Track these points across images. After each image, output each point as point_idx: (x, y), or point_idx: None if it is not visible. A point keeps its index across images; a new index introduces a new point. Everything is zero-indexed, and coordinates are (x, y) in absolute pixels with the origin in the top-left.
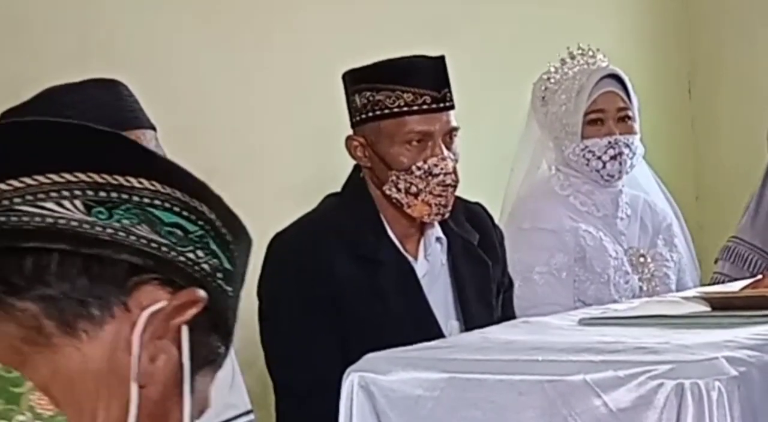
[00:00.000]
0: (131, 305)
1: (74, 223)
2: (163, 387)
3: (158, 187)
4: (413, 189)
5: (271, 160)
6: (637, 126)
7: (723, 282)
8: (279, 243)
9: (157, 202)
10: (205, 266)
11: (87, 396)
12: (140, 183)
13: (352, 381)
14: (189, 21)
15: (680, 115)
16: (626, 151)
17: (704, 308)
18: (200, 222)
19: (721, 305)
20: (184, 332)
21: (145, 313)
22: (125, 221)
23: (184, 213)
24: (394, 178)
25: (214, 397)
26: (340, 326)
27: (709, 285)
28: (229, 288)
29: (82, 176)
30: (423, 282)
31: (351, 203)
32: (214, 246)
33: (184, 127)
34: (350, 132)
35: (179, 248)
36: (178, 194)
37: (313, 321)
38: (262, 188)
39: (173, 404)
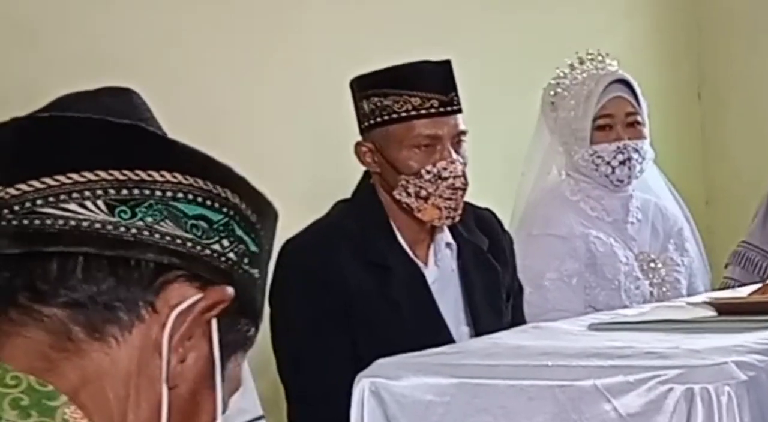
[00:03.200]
0: (159, 305)
1: (98, 225)
2: (194, 383)
3: (180, 178)
4: (423, 193)
5: (278, 166)
6: (646, 131)
7: (733, 286)
8: (289, 249)
9: (180, 194)
10: (231, 255)
11: (116, 400)
12: (162, 176)
13: (362, 386)
14: (196, 27)
15: (690, 120)
16: (635, 155)
17: (712, 313)
18: (224, 209)
19: (728, 310)
20: (214, 326)
21: (174, 313)
22: (149, 219)
23: (208, 202)
24: (403, 182)
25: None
26: (350, 332)
27: (719, 289)
28: (255, 271)
29: (103, 174)
30: (433, 288)
31: (361, 209)
32: (239, 232)
33: (191, 133)
34: (358, 137)
35: (204, 241)
36: (201, 183)
37: (324, 327)
38: (271, 195)
39: (204, 396)
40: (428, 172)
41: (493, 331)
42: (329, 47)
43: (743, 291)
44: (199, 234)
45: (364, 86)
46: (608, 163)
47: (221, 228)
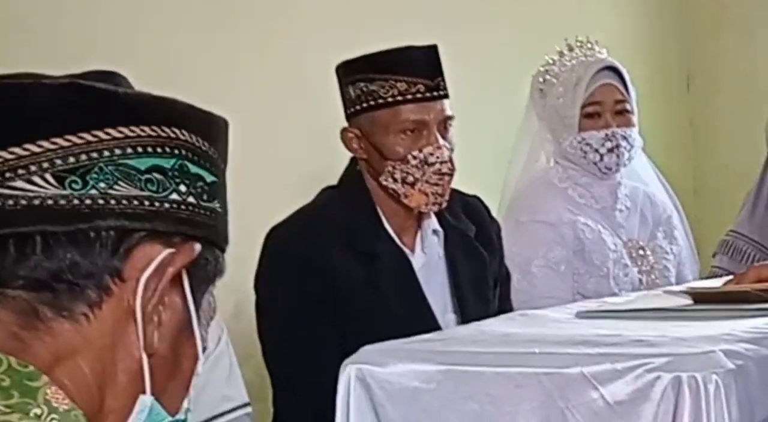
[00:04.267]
0: (126, 273)
1: (50, 202)
2: (172, 339)
3: (126, 131)
4: (410, 178)
5: (269, 154)
6: (635, 118)
7: (721, 276)
8: (275, 236)
9: (129, 150)
10: (190, 199)
11: (93, 374)
12: (107, 134)
13: (349, 373)
14: (189, 20)
15: (678, 110)
16: (624, 143)
17: (689, 302)
18: (176, 151)
19: (704, 299)
20: (185, 279)
21: (142, 279)
22: (101, 184)
23: (158, 149)
24: (390, 168)
25: (212, 390)
26: (336, 319)
27: (707, 279)
28: (216, 204)
29: (47, 144)
30: (420, 275)
31: (347, 196)
32: (194, 169)
33: None
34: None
35: (161, 194)
36: (148, 130)
37: (310, 314)
38: (260, 183)
39: (184, 345)
40: (415, 158)
41: (479, 318)
42: (323, 40)
43: (719, 282)
44: (155, 188)
45: (349, 72)
46: (596, 151)
47: (176, 173)
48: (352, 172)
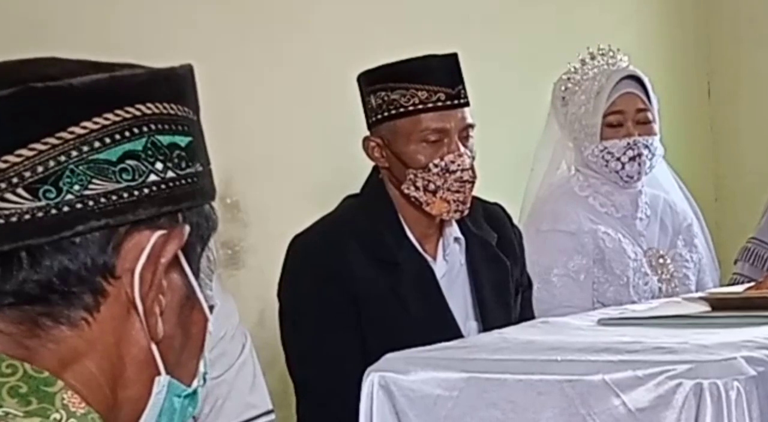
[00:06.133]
0: (119, 269)
1: (27, 217)
2: (177, 316)
3: (89, 125)
4: (431, 186)
5: (290, 162)
6: (656, 127)
7: (742, 283)
8: (299, 245)
9: (96, 143)
10: (170, 173)
11: (101, 372)
12: (71, 133)
13: (372, 380)
14: (208, 24)
15: (699, 117)
16: (645, 152)
17: (707, 309)
18: (144, 129)
19: (722, 306)
20: (180, 255)
21: (137, 272)
22: (76, 187)
23: (126, 133)
24: (411, 176)
25: (236, 398)
26: (359, 327)
27: (728, 286)
28: (197, 167)
29: (12, 158)
30: (442, 283)
31: (370, 204)
32: (167, 140)
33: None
34: (368, 132)
35: (139, 181)
36: (112, 117)
37: (333, 322)
38: (281, 190)
39: (189, 314)
40: (436, 166)
41: (501, 326)
42: (339, 43)
43: (738, 289)
44: (131, 177)
45: (371, 81)
46: (618, 159)
47: (149, 153)
48: (374, 181)
